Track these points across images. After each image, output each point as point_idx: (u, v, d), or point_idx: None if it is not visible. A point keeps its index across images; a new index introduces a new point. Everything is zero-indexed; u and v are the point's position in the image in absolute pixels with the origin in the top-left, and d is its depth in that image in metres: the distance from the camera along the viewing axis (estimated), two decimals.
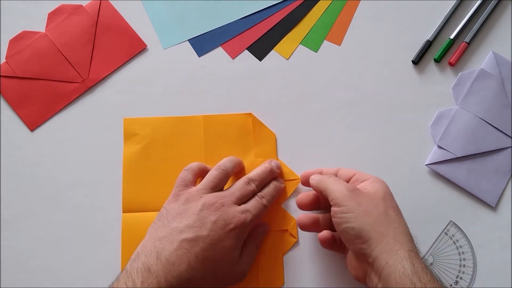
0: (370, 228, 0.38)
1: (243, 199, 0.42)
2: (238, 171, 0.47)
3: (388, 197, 0.41)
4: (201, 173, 0.45)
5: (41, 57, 0.51)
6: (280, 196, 0.47)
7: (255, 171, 0.45)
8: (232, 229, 0.40)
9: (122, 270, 0.39)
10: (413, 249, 0.38)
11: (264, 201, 0.43)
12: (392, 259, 0.36)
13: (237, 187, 0.43)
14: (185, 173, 0.44)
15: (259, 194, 0.44)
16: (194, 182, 0.44)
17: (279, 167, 0.47)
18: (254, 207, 0.42)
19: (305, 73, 0.52)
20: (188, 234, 0.39)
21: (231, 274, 0.41)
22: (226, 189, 0.43)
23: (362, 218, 0.38)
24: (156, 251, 0.38)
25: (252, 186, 0.43)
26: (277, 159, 0.49)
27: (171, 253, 0.38)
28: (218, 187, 0.43)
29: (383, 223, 0.38)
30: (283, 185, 0.47)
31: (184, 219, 0.40)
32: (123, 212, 0.47)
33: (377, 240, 0.37)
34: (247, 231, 0.42)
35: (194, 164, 0.45)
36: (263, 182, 0.45)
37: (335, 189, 0.40)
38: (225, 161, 0.45)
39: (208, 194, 0.42)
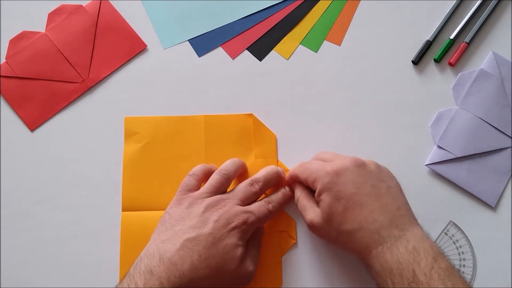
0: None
1: (246, 201, 0.42)
2: (241, 173, 0.47)
3: (332, 206, 0.40)
4: (206, 177, 0.45)
5: (41, 57, 0.51)
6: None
7: (260, 173, 0.45)
8: (234, 228, 0.39)
9: (123, 271, 0.39)
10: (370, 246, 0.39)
11: (270, 206, 0.43)
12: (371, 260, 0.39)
13: (240, 188, 0.43)
14: (189, 179, 0.44)
15: (266, 199, 0.44)
16: (198, 187, 0.44)
17: (283, 173, 0.47)
18: (258, 210, 0.42)
19: (305, 73, 0.52)
20: (191, 234, 0.39)
21: (237, 275, 0.40)
22: (229, 191, 0.43)
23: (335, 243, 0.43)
24: (159, 253, 0.38)
25: (256, 188, 0.43)
26: (277, 160, 0.49)
27: (173, 254, 0.38)
28: (220, 190, 0.43)
29: (338, 239, 0.41)
30: (291, 193, 0.46)
31: (187, 221, 0.40)
32: (123, 210, 0.47)
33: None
34: (250, 232, 0.41)
35: (199, 169, 0.45)
36: (268, 184, 0.45)
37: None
38: (227, 165, 0.45)
39: (211, 197, 0.42)
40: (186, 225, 0.40)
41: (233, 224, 0.40)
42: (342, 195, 0.40)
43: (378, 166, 0.43)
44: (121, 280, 0.38)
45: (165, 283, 0.36)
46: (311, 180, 0.42)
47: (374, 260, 0.38)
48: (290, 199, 0.46)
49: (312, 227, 0.42)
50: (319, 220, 0.41)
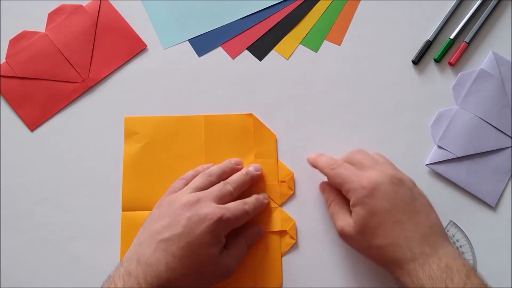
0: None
1: (222, 199, 0.42)
2: (229, 176, 0.46)
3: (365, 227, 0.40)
4: None
5: (41, 57, 0.51)
6: (279, 198, 0.47)
7: (231, 177, 0.45)
8: (208, 225, 0.39)
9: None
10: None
11: (246, 207, 0.43)
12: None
13: (215, 187, 0.43)
14: (177, 182, 0.45)
15: (241, 200, 0.44)
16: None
17: (258, 169, 0.47)
18: (234, 208, 0.42)
19: (305, 73, 0.52)
20: (165, 234, 0.39)
21: (214, 271, 0.40)
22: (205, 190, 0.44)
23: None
24: (137, 256, 0.39)
25: (229, 187, 0.43)
26: (277, 160, 0.49)
27: (149, 256, 0.38)
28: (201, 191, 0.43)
29: (369, 251, 0.41)
30: (266, 201, 0.46)
31: (161, 221, 0.40)
32: (123, 210, 0.47)
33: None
34: (226, 229, 0.41)
35: (189, 174, 0.46)
36: (240, 186, 0.45)
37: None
38: (213, 168, 0.46)
39: (187, 195, 0.42)
40: (160, 224, 0.40)
41: (206, 221, 0.39)
42: (376, 210, 0.39)
43: (412, 183, 0.42)
44: (103, 284, 0.39)
45: (143, 283, 0.37)
46: (344, 190, 0.42)
47: (406, 277, 0.38)
48: (264, 205, 0.46)
49: (343, 235, 0.42)
50: (351, 230, 0.41)
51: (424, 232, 0.39)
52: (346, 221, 0.41)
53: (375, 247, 0.39)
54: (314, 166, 0.46)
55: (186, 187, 0.44)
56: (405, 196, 0.40)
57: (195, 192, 0.43)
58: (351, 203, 0.41)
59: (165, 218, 0.40)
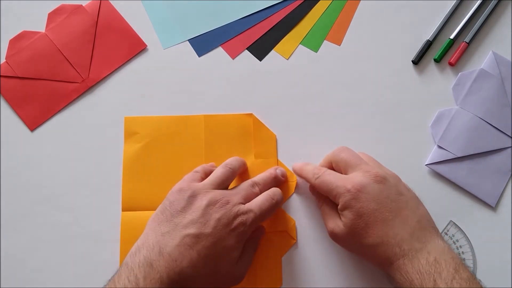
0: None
1: (248, 200, 0.42)
2: (242, 171, 0.47)
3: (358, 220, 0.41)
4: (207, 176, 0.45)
5: (41, 57, 0.51)
6: None
7: (260, 176, 0.45)
8: (234, 229, 0.39)
9: (121, 264, 0.38)
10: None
11: (274, 201, 0.42)
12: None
13: (243, 187, 0.43)
14: (195, 174, 0.44)
15: (269, 194, 0.43)
16: (202, 181, 0.44)
17: (284, 175, 0.47)
18: (259, 206, 0.41)
19: (305, 73, 0.52)
20: (191, 230, 0.38)
21: (230, 275, 0.40)
22: (231, 188, 0.43)
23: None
24: (159, 246, 0.38)
25: (256, 189, 0.43)
26: (277, 160, 0.49)
27: (173, 249, 0.37)
28: (224, 184, 0.43)
29: (360, 251, 0.42)
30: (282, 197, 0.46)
31: (188, 214, 0.40)
32: (123, 210, 0.47)
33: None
34: (249, 232, 0.41)
35: (205, 166, 0.45)
36: (266, 187, 0.44)
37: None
38: (232, 160, 0.45)
39: (215, 191, 0.41)
40: (186, 218, 0.39)
41: (233, 225, 0.39)
42: (364, 211, 0.39)
43: (397, 179, 0.43)
44: (118, 270, 0.38)
45: (165, 278, 0.36)
46: (331, 196, 0.42)
47: (396, 272, 0.38)
48: (281, 201, 0.45)
49: (333, 237, 0.43)
50: (340, 232, 0.41)
51: (412, 227, 0.39)
52: (336, 224, 0.42)
53: (366, 247, 0.40)
54: (299, 175, 0.47)
55: (208, 178, 0.43)
56: (390, 193, 0.41)
57: (218, 183, 0.42)
58: (339, 207, 0.41)
59: (192, 212, 0.39)
